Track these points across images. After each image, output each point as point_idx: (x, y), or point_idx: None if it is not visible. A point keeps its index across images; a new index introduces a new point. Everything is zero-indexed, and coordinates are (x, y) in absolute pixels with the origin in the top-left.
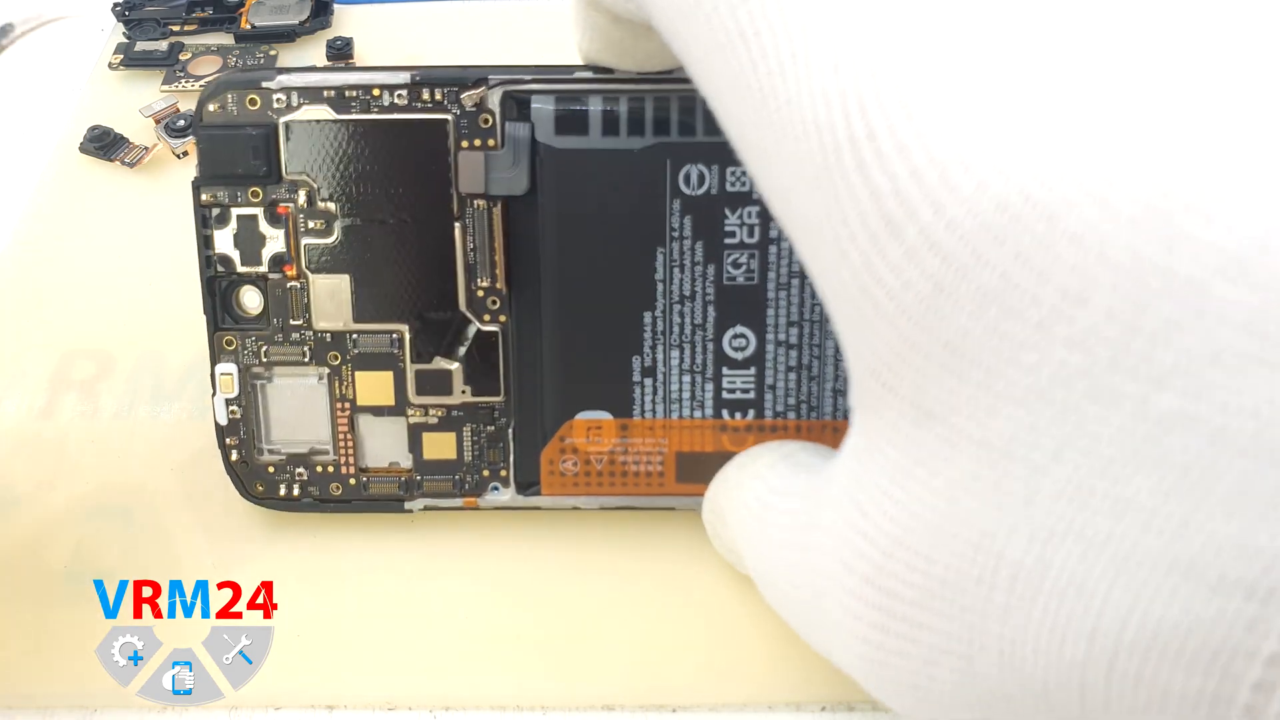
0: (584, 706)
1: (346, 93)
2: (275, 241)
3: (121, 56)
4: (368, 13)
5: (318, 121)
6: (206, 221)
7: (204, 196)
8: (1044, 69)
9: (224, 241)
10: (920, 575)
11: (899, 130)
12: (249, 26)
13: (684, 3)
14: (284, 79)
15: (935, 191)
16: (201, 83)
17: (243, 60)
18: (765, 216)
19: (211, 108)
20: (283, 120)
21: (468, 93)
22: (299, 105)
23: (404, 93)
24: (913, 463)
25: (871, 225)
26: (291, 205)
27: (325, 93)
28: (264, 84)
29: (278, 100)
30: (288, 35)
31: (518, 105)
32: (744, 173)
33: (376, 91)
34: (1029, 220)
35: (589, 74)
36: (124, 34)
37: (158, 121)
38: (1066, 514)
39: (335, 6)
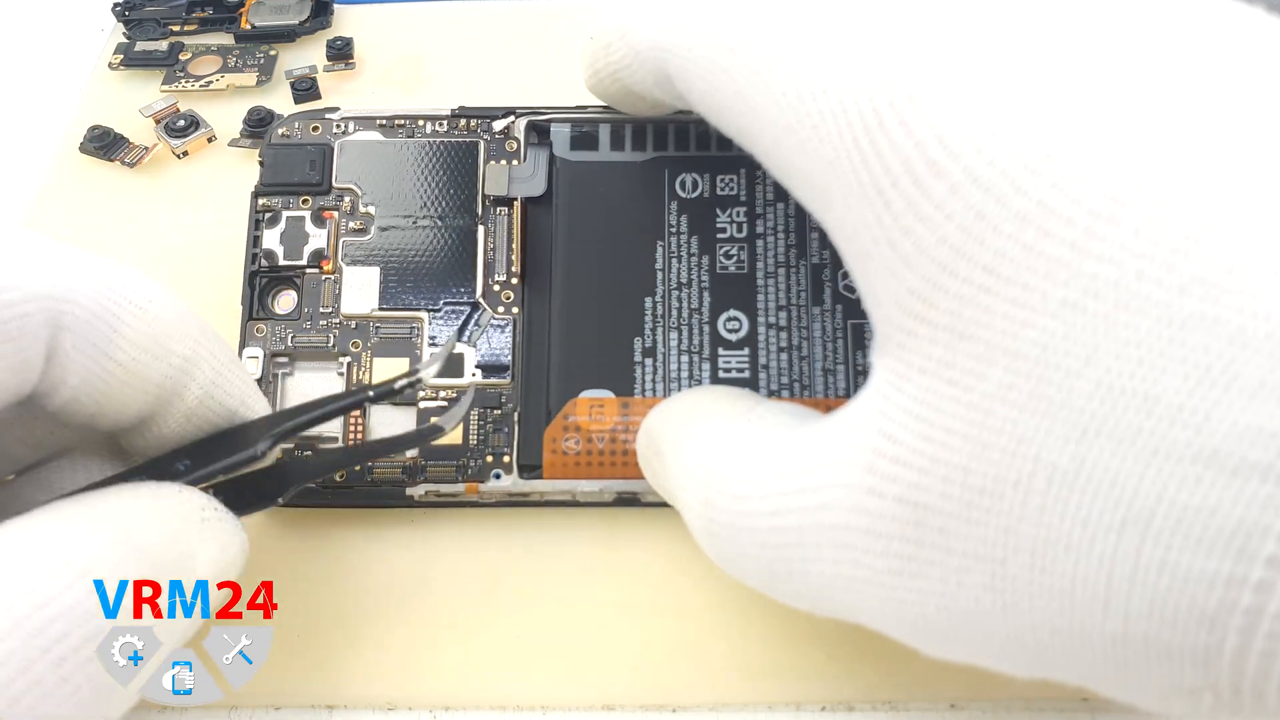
0: (584, 706)
1: (396, 121)
2: (317, 239)
3: (121, 56)
4: (368, 13)
5: (367, 141)
6: (259, 224)
7: (260, 202)
8: (1062, 56)
9: (271, 239)
10: (958, 487)
11: (939, 94)
12: (249, 26)
13: (717, 57)
14: (344, 110)
15: (978, 136)
16: (201, 82)
17: (243, 60)
18: (753, 214)
19: (281, 131)
20: (338, 141)
21: (498, 122)
22: (354, 131)
23: (444, 123)
24: (945, 383)
25: (916, 169)
26: (336, 211)
27: (378, 121)
28: (327, 115)
29: (337, 127)
30: (288, 35)
31: (538, 132)
32: (733, 179)
33: (421, 121)
34: (1064, 157)
35: (600, 108)
36: (124, 34)
37: (158, 121)
38: (1100, 413)
39: (335, 6)
